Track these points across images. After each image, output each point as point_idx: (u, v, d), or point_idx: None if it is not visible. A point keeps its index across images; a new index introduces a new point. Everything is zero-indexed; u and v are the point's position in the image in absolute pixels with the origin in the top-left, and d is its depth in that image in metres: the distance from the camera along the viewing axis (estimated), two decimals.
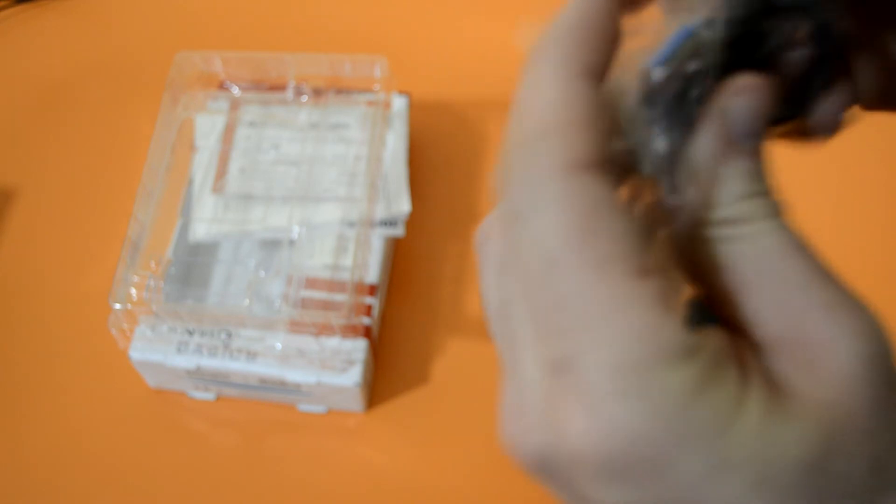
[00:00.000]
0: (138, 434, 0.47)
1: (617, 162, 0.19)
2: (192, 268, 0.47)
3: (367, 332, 0.45)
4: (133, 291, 0.44)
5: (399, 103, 0.51)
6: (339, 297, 0.44)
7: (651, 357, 0.17)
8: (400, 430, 0.46)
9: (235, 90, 0.51)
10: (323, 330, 0.44)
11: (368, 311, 0.45)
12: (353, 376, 0.43)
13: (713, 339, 0.18)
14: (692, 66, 0.19)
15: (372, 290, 0.46)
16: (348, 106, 0.50)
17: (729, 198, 0.19)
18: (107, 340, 0.45)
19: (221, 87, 0.51)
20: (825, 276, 0.19)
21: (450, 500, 0.44)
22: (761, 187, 0.20)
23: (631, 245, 0.18)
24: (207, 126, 0.50)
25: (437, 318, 0.49)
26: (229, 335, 0.44)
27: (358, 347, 0.44)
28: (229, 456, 0.46)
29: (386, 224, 0.48)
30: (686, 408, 0.17)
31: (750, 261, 0.19)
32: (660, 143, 0.19)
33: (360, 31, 0.60)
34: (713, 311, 0.20)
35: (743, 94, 0.20)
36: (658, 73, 0.19)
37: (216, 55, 0.51)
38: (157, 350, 0.44)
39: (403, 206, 0.48)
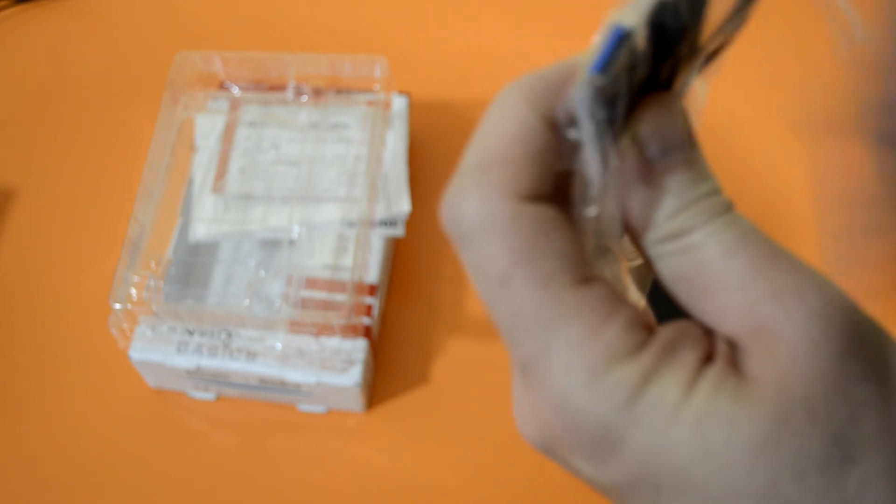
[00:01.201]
0: (138, 434, 0.47)
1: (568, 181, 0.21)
2: (192, 268, 0.47)
3: (367, 332, 0.45)
4: (133, 291, 0.44)
5: (399, 103, 0.51)
6: (339, 297, 0.44)
7: (597, 356, 0.19)
8: (400, 430, 0.46)
9: (235, 90, 0.51)
10: (323, 330, 0.44)
11: (368, 311, 0.45)
12: (353, 376, 0.43)
13: (665, 333, 0.20)
14: (622, 79, 0.19)
15: (372, 290, 0.46)
16: (348, 106, 0.50)
17: (662, 217, 0.20)
18: (107, 340, 0.45)
19: (221, 87, 0.51)
20: (769, 263, 0.19)
21: (450, 500, 0.44)
22: (693, 194, 0.20)
23: (572, 259, 0.20)
24: (207, 126, 0.50)
25: (437, 318, 0.49)
26: (229, 335, 0.44)
27: (358, 347, 0.44)
28: (229, 456, 0.46)
29: (386, 224, 0.48)
30: (634, 394, 0.19)
31: (699, 269, 0.20)
32: (591, 166, 0.20)
33: (360, 31, 0.60)
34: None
35: (650, 117, 0.21)
36: (588, 85, 0.19)
37: (216, 55, 0.51)
38: (157, 350, 0.44)
39: (403, 206, 0.48)
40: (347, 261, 0.45)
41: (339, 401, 0.45)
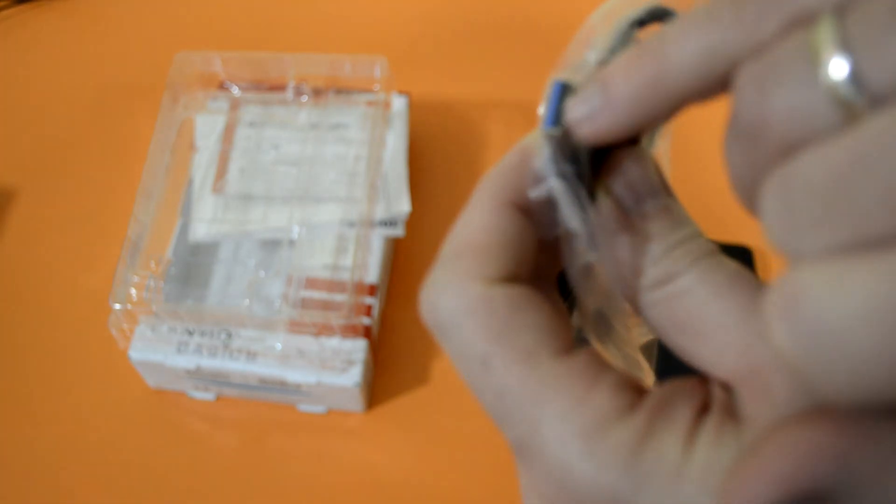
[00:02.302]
0: (138, 434, 0.47)
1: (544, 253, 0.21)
2: (192, 268, 0.47)
3: (367, 333, 0.45)
4: (133, 291, 0.44)
5: (399, 103, 0.51)
6: (339, 298, 0.44)
7: (589, 422, 0.19)
8: (400, 430, 0.46)
9: (235, 90, 0.51)
10: (323, 330, 0.44)
11: (368, 311, 0.45)
12: (353, 376, 0.43)
13: (656, 391, 0.19)
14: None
15: (372, 290, 0.46)
16: (348, 106, 0.50)
17: (647, 265, 0.20)
18: (107, 340, 0.45)
19: (221, 87, 0.51)
20: (759, 303, 0.19)
21: (450, 500, 0.44)
22: (675, 239, 0.20)
23: (551, 332, 0.20)
24: (207, 126, 0.50)
25: None
26: (229, 335, 0.44)
27: (358, 347, 0.44)
28: (229, 456, 0.46)
29: (386, 224, 0.48)
30: (634, 456, 0.18)
31: (689, 314, 0.20)
32: (570, 219, 0.20)
33: (360, 31, 0.60)
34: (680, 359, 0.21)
35: (621, 170, 0.20)
36: (546, 143, 0.20)
37: (216, 55, 0.51)
38: (156, 350, 0.44)
39: (403, 206, 0.48)
40: (347, 261, 0.45)
41: (339, 401, 0.45)
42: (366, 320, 0.45)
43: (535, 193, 0.20)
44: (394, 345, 0.48)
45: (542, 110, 0.21)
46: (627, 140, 0.21)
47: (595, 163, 0.21)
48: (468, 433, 0.46)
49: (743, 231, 0.51)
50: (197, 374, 0.45)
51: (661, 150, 0.23)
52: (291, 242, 0.46)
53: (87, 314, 0.49)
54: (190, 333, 0.45)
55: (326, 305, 0.44)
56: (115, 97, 0.58)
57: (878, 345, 0.14)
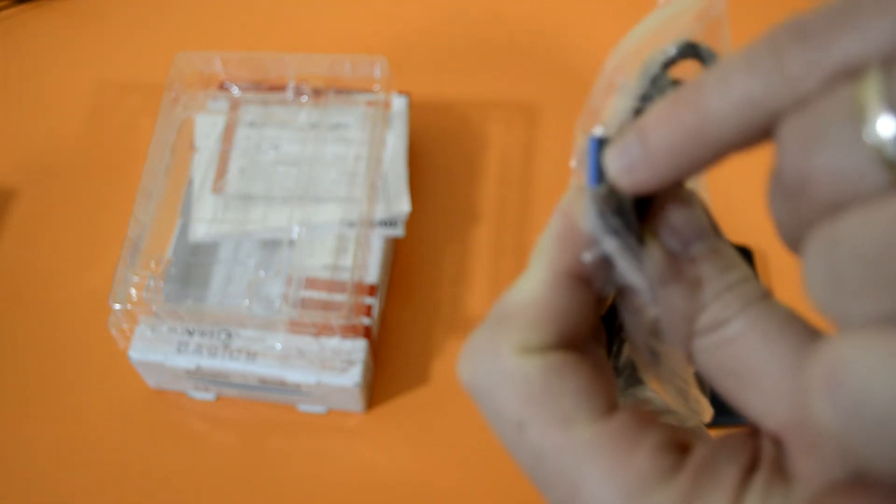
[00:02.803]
0: (138, 434, 0.47)
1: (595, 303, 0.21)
2: (192, 268, 0.47)
3: (366, 333, 0.45)
4: (133, 292, 0.44)
5: (399, 103, 0.51)
6: (339, 298, 0.44)
7: (630, 485, 0.18)
8: (400, 430, 0.46)
9: (235, 90, 0.51)
10: (323, 330, 0.44)
11: (368, 311, 0.45)
12: (353, 376, 0.43)
13: (701, 450, 0.19)
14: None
15: (372, 290, 0.46)
16: (348, 106, 0.50)
17: (696, 311, 0.20)
18: (107, 341, 0.45)
19: (221, 87, 0.51)
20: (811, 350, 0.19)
21: (449, 500, 0.44)
22: (724, 283, 0.20)
23: (591, 395, 0.19)
24: (207, 126, 0.50)
25: (437, 318, 0.49)
26: (229, 335, 0.44)
27: (358, 347, 0.44)
28: (229, 456, 0.46)
29: (386, 224, 0.48)
30: None
31: (739, 361, 0.19)
32: (628, 274, 0.20)
33: (360, 31, 0.60)
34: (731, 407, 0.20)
35: (666, 213, 0.20)
36: (591, 197, 0.20)
37: (216, 55, 0.51)
38: (156, 350, 0.44)
39: (403, 206, 0.48)
40: (347, 261, 0.45)
41: (339, 401, 0.45)
42: (366, 320, 0.45)
43: (590, 257, 0.20)
44: (394, 345, 0.48)
45: (574, 163, 0.20)
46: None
47: (640, 206, 0.20)
48: (468, 433, 0.46)
49: (743, 231, 0.51)
50: (197, 374, 0.45)
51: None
52: (291, 242, 0.46)
53: (87, 314, 0.49)
54: (190, 333, 0.45)
55: (326, 305, 0.44)
56: (115, 97, 0.58)
57: None
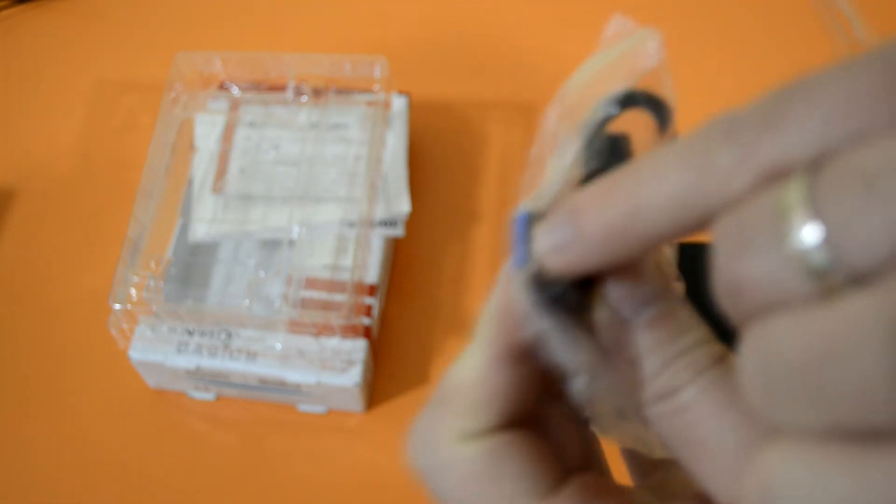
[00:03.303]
0: (138, 434, 0.47)
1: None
2: (192, 268, 0.47)
3: (366, 333, 0.45)
4: (133, 292, 0.44)
5: (399, 103, 0.51)
6: (339, 298, 0.44)
7: None
8: (400, 430, 0.46)
9: (235, 90, 0.51)
10: (323, 330, 0.44)
11: (368, 311, 0.45)
12: (352, 376, 0.43)
13: None
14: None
15: (372, 290, 0.46)
16: (348, 106, 0.50)
17: (647, 378, 0.19)
18: (107, 341, 0.45)
19: (221, 87, 0.51)
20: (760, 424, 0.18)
21: None
22: (675, 350, 0.19)
23: (535, 475, 0.19)
24: (207, 126, 0.50)
25: (437, 318, 0.49)
26: (229, 335, 0.44)
27: (358, 347, 0.44)
28: (229, 456, 0.46)
29: (386, 224, 0.48)
30: None
31: (692, 430, 0.18)
32: (560, 356, 0.19)
33: (360, 31, 0.60)
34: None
35: (615, 278, 0.19)
36: (518, 278, 0.19)
37: (216, 55, 0.51)
38: (156, 350, 0.44)
39: (403, 206, 0.48)
40: (347, 261, 0.45)
41: (339, 401, 0.45)
42: (366, 320, 0.45)
43: (526, 336, 0.19)
44: (394, 345, 0.48)
45: (510, 237, 0.19)
46: None
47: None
48: None
49: None
50: (197, 374, 0.45)
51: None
52: (291, 242, 0.46)
53: (87, 314, 0.49)
54: (190, 333, 0.45)
55: (326, 305, 0.44)
56: (114, 97, 0.58)
57: None
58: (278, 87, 0.51)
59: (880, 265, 0.13)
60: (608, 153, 0.19)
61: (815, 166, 0.14)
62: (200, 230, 0.47)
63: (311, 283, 0.45)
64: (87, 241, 0.52)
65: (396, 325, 0.49)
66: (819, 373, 0.13)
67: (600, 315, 0.19)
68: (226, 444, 0.47)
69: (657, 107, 0.20)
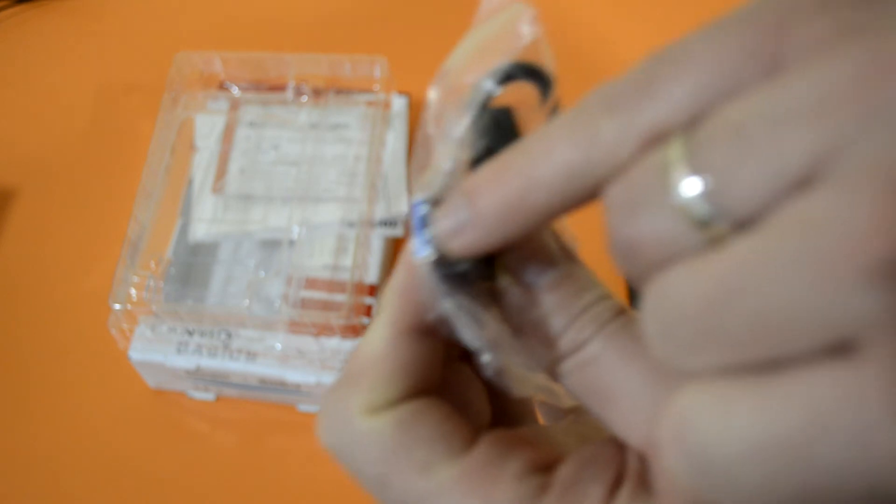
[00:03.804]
0: (138, 434, 0.47)
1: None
2: (192, 268, 0.47)
3: None
4: (133, 292, 0.44)
5: (399, 103, 0.51)
6: (339, 298, 0.44)
7: None
8: None
9: (235, 90, 0.51)
10: (323, 330, 0.44)
11: (368, 311, 0.45)
12: None
13: (566, 469, 0.20)
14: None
15: (372, 290, 0.46)
16: (348, 106, 0.50)
17: (554, 336, 0.20)
18: (107, 341, 0.45)
19: (221, 87, 0.51)
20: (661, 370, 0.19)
21: None
22: (579, 306, 0.20)
23: (447, 437, 0.20)
24: (207, 126, 0.50)
25: None
26: (229, 335, 0.44)
27: None
28: (229, 456, 0.46)
29: (386, 224, 0.48)
30: None
31: (600, 381, 0.19)
32: (464, 335, 0.20)
33: (360, 31, 0.60)
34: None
35: (516, 246, 0.20)
36: (421, 263, 0.19)
37: (216, 55, 0.51)
38: (156, 350, 0.44)
39: (403, 206, 0.48)
40: (347, 261, 0.45)
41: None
42: (366, 320, 0.45)
43: (430, 318, 0.20)
44: None
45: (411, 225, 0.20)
46: None
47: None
48: None
49: None
50: (197, 375, 0.45)
51: None
52: (291, 242, 0.46)
53: (87, 314, 0.49)
54: (190, 333, 0.45)
55: (326, 305, 0.44)
56: (115, 97, 0.58)
57: (760, 478, 0.14)
58: (278, 87, 0.51)
59: (757, 210, 0.14)
60: (494, 130, 0.20)
61: (691, 125, 0.15)
62: (200, 230, 0.47)
63: (311, 283, 0.45)
64: (87, 241, 0.52)
65: None
66: (713, 316, 0.14)
67: (505, 283, 0.20)
68: (226, 444, 0.47)
69: (537, 77, 0.20)
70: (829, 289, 0.13)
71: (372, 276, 0.46)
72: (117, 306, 0.43)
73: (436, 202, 0.19)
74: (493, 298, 0.20)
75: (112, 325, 0.44)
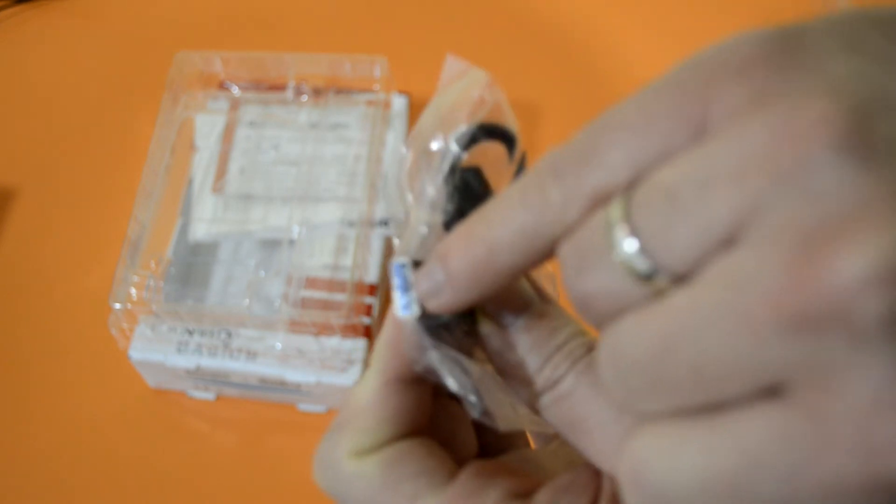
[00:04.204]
0: (138, 434, 0.47)
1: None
2: (192, 268, 0.47)
3: (366, 332, 0.45)
4: (133, 291, 0.44)
5: (399, 103, 0.51)
6: (339, 297, 0.44)
7: None
8: None
9: (235, 90, 0.51)
10: (323, 330, 0.44)
11: (368, 310, 0.45)
12: (352, 376, 0.43)
13: (544, 495, 0.21)
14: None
15: (372, 289, 0.46)
16: (348, 106, 0.50)
17: (532, 375, 0.21)
18: (107, 340, 0.45)
19: (221, 87, 0.52)
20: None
21: None
22: (553, 345, 0.21)
23: (432, 469, 0.21)
24: (207, 126, 0.50)
25: None
26: (229, 335, 0.44)
27: (358, 347, 0.44)
28: (229, 455, 0.46)
29: (386, 224, 0.48)
30: None
31: (575, 413, 0.21)
32: (449, 383, 0.21)
33: (360, 31, 0.60)
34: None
35: (485, 304, 0.22)
36: (406, 320, 0.21)
37: (216, 55, 0.51)
38: (157, 350, 0.44)
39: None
40: (347, 260, 0.46)
41: (339, 400, 0.45)
42: (366, 320, 0.45)
43: (418, 369, 0.22)
44: None
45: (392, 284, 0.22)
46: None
47: None
48: None
49: None
50: (197, 374, 0.45)
51: None
52: (291, 242, 0.46)
53: (87, 314, 0.49)
54: (190, 333, 0.45)
55: (326, 305, 0.44)
56: (115, 97, 0.58)
57: None
58: (278, 87, 0.51)
59: (691, 265, 0.15)
60: (464, 190, 0.22)
61: (630, 187, 0.16)
62: (200, 230, 0.47)
63: (311, 283, 0.45)
64: (87, 241, 0.53)
65: None
66: (658, 365, 0.15)
67: (485, 328, 0.22)
68: (226, 443, 0.47)
69: (501, 136, 0.22)
70: (753, 339, 0.14)
71: (372, 275, 0.46)
72: (117, 306, 0.43)
73: (415, 263, 0.21)
74: (474, 342, 0.22)
75: (112, 325, 0.44)
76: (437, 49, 0.59)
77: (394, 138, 0.50)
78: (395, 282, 0.21)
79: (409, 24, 0.61)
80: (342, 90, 0.51)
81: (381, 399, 0.22)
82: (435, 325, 0.21)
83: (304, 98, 0.50)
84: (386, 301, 0.49)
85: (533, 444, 0.26)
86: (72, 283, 0.51)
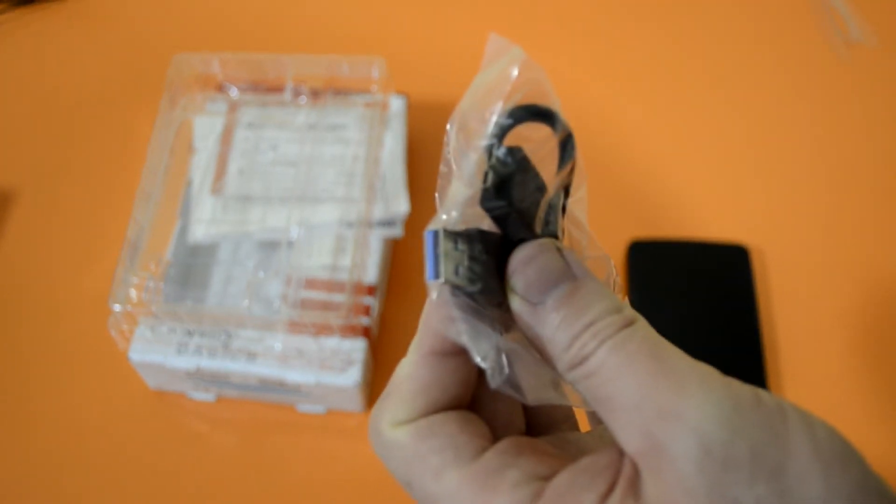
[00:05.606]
0: (138, 435, 0.47)
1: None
2: (192, 269, 0.47)
3: (366, 332, 0.45)
4: (132, 293, 0.44)
5: (397, 104, 0.51)
6: (338, 298, 0.44)
7: None
8: None
9: (234, 92, 0.51)
10: (322, 330, 0.44)
11: (367, 311, 0.45)
12: (352, 376, 0.44)
13: (562, 477, 0.21)
14: (462, 270, 0.22)
15: (371, 290, 0.46)
16: (346, 107, 0.50)
17: (560, 352, 0.22)
18: (107, 342, 0.45)
19: (220, 88, 0.52)
20: (654, 382, 0.20)
21: None
22: (581, 324, 0.22)
23: (458, 446, 0.22)
24: (206, 128, 0.50)
25: None
26: (229, 336, 0.45)
27: (357, 347, 0.44)
28: (229, 456, 0.46)
29: (384, 224, 0.48)
30: None
31: (602, 391, 0.21)
32: (474, 358, 0.22)
33: (358, 32, 0.61)
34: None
35: (518, 270, 0.23)
36: (437, 292, 0.22)
37: (214, 57, 0.51)
38: (156, 351, 0.44)
39: (402, 206, 0.48)
40: (346, 261, 0.46)
41: (339, 401, 0.46)
42: (365, 320, 0.45)
43: (449, 340, 0.23)
44: (393, 344, 0.48)
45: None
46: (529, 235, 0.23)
47: (503, 262, 0.23)
48: None
49: (738, 229, 0.51)
50: (197, 375, 0.45)
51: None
52: (290, 243, 0.46)
53: (87, 316, 0.49)
54: (190, 334, 0.45)
55: (325, 306, 0.44)
56: (114, 99, 0.58)
57: None
58: (276, 89, 0.51)
59: None
60: (499, 170, 0.22)
61: None
62: (199, 231, 0.47)
63: (310, 284, 0.45)
64: (87, 241, 0.53)
65: (395, 325, 0.49)
66: None
67: (514, 303, 0.22)
68: (226, 444, 0.47)
69: (541, 115, 0.22)
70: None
71: (370, 276, 0.47)
72: (117, 307, 0.43)
73: (447, 233, 0.22)
74: (509, 317, 0.23)
75: (112, 327, 0.44)
76: (436, 50, 0.60)
77: (392, 139, 0.50)
78: (427, 248, 0.22)
79: (408, 25, 0.61)
80: (340, 91, 0.51)
81: (416, 372, 0.24)
82: (462, 294, 0.22)
83: (303, 99, 0.51)
84: (385, 301, 0.50)
85: (586, 427, 0.26)
86: (71, 284, 0.51)
